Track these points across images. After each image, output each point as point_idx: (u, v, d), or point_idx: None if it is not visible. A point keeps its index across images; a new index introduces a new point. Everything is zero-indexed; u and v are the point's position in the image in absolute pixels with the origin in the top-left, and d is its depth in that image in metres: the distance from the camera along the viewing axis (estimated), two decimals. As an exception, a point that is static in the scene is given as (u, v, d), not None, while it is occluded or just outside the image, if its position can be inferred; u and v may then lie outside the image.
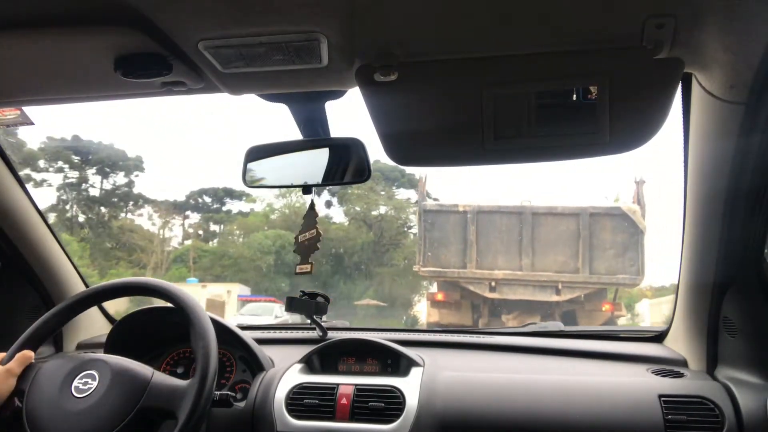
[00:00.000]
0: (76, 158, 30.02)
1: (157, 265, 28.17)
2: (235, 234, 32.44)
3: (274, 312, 14.68)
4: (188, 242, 32.54)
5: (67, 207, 29.87)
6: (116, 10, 0.81)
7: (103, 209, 31.05)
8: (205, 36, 0.87)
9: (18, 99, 1.17)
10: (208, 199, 35.65)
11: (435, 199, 10.36)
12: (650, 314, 14.14)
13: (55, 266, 1.74)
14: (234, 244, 30.93)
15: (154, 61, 0.93)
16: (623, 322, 9.88)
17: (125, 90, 1.06)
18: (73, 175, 30.09)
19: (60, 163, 29.43)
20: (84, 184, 30.48)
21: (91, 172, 30.77)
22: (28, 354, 1.20)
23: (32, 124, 1.32)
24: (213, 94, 1.10)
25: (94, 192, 31.02)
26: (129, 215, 32.33)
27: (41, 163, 28.36)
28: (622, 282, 9.08)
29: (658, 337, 1.67)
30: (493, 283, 9.24)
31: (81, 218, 30.38)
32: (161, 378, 1.17)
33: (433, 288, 10.43)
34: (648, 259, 9.02)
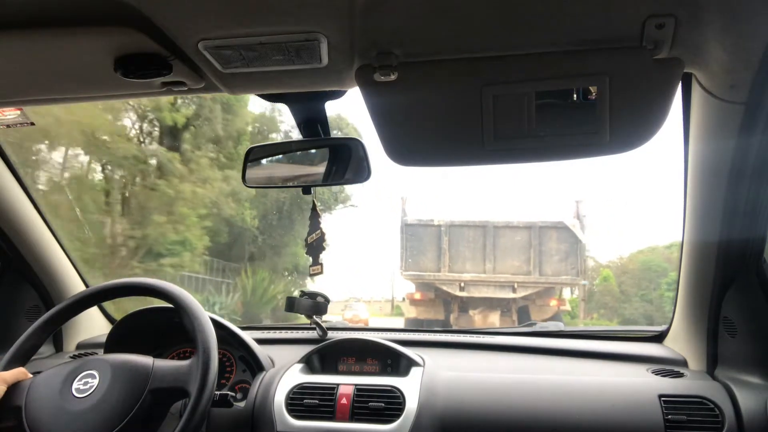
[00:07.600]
0: None
1: None
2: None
3: None
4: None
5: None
6: (116, 10, 0.81)
7: None
8: (205, 36, 0.87)
9: (18, 99, 1.17)
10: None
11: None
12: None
13: (55, 266, 1.74)
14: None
15: (154, 61, 0.93)
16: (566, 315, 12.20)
17: (125, 90, 1.06)
18: None
19: None
20: None
21: None
22: (21, 370, 1.18)
23: (32, 124, 1.32)
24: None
25: None
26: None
27: None
28: (565, 282, 11.11)
29: (658, 337, 1.66)
30: (462, 284, 11.09)
31: None
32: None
33: (408, 289, 12.22)
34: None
